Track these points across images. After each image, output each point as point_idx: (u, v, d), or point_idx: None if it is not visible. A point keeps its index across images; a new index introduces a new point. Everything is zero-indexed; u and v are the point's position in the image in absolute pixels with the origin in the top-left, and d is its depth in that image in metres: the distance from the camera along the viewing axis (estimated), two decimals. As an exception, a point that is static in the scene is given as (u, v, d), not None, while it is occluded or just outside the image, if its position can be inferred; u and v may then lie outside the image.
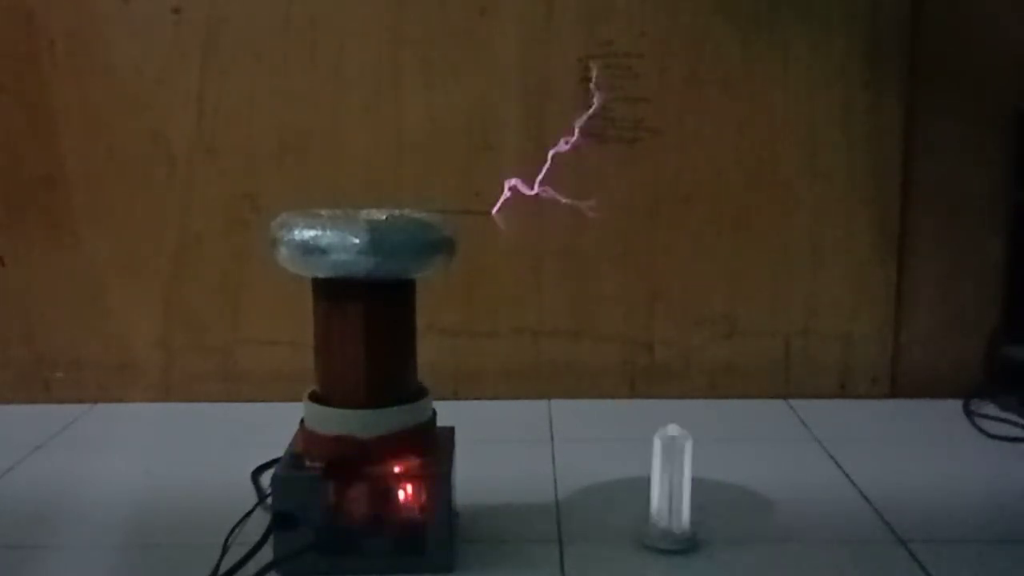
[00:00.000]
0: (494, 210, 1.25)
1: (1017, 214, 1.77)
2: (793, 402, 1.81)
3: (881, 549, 1.22)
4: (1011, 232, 1.78)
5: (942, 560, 1.18)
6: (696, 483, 1.21)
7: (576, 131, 1.32)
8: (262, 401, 1.77)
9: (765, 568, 1.17)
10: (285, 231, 1.12)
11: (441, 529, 1.13)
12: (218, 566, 1.13)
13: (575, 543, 1.22)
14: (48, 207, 1.76)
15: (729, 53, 1.74)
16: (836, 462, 1.51)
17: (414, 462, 1.14)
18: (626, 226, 1.78)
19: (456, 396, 1.78)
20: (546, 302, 1.80)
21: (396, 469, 1.13)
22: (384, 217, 1.12)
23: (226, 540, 1.19)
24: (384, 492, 1.12)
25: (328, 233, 1.09)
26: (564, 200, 1.26)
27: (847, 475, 1.45)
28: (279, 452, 1.19)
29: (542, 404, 1.79)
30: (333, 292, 1.14)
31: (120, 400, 1.80)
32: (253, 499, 1.31)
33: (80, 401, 1.80)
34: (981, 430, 1.65)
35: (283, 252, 1.12)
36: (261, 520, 1.20)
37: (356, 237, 1.08)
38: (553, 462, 1.51)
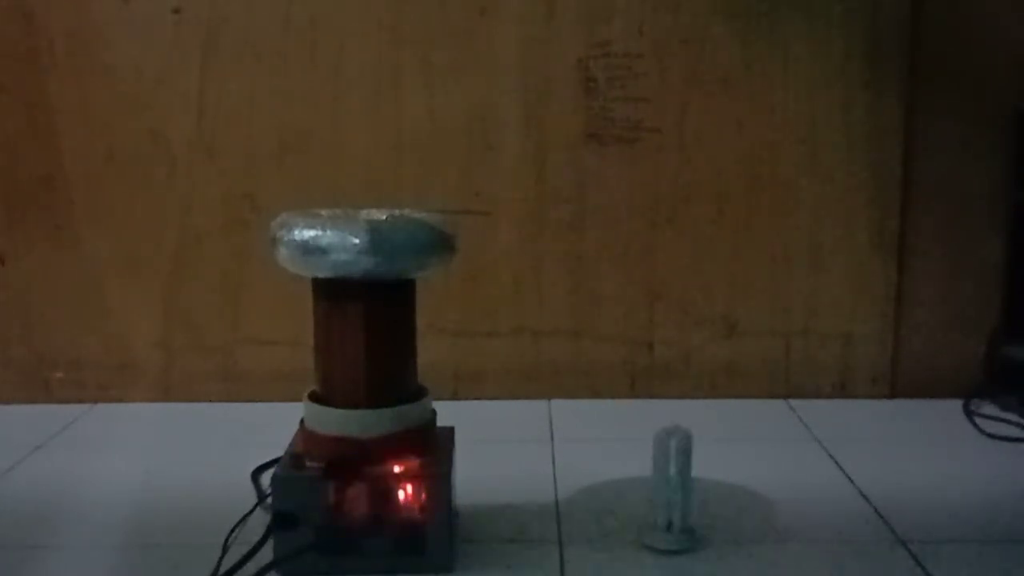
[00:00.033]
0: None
1: (1017, 214, 1.77)
2: (793, 402, 1.81)
3: (881, 549, 1.22)
4: (1011, 232, 1.78)
5: (942, 560, 1.18)
6: (696, 483, 1.21)
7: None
8: (262, 401, 1.77)
9: (765, 568, 1.17)
10: (285, 231, 1.12)
11: (441, 529, 1.13)
12: (218, 566, 1.13)
13: (575, 543, 1.22)
14: (48, 207, 1.76)
15: (729, 53, 1.74)
16: (836, 462, 1.51)
17: (414, 462, 1.14)
18: (626, 226, 1.78)
19: (456, 396, 1.78)
20: (546, 302, 1.80)
21: (396, 469, 1.13)
22: (384, 217, 1.12)
23: (226, 540, 1.19)
24: (384, 492, 1.12)
25: (328, 233, 1.09)
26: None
27: (847, 475, 1.45)
28: (279, 452, 1.19)
29: (542, 404, 1.79)
30: (333, 292, 1.14)
31: (120, 400, 1.80)
32: (253, 499, 1.31)
33: (80, 401, 1.80)
34: (981, 430, 1.65)
35: (283, 252, 1.12)
36: (261, 520, 1.20)
37: (356, 237, 1.08)
38: (553, 462, 1.51)
